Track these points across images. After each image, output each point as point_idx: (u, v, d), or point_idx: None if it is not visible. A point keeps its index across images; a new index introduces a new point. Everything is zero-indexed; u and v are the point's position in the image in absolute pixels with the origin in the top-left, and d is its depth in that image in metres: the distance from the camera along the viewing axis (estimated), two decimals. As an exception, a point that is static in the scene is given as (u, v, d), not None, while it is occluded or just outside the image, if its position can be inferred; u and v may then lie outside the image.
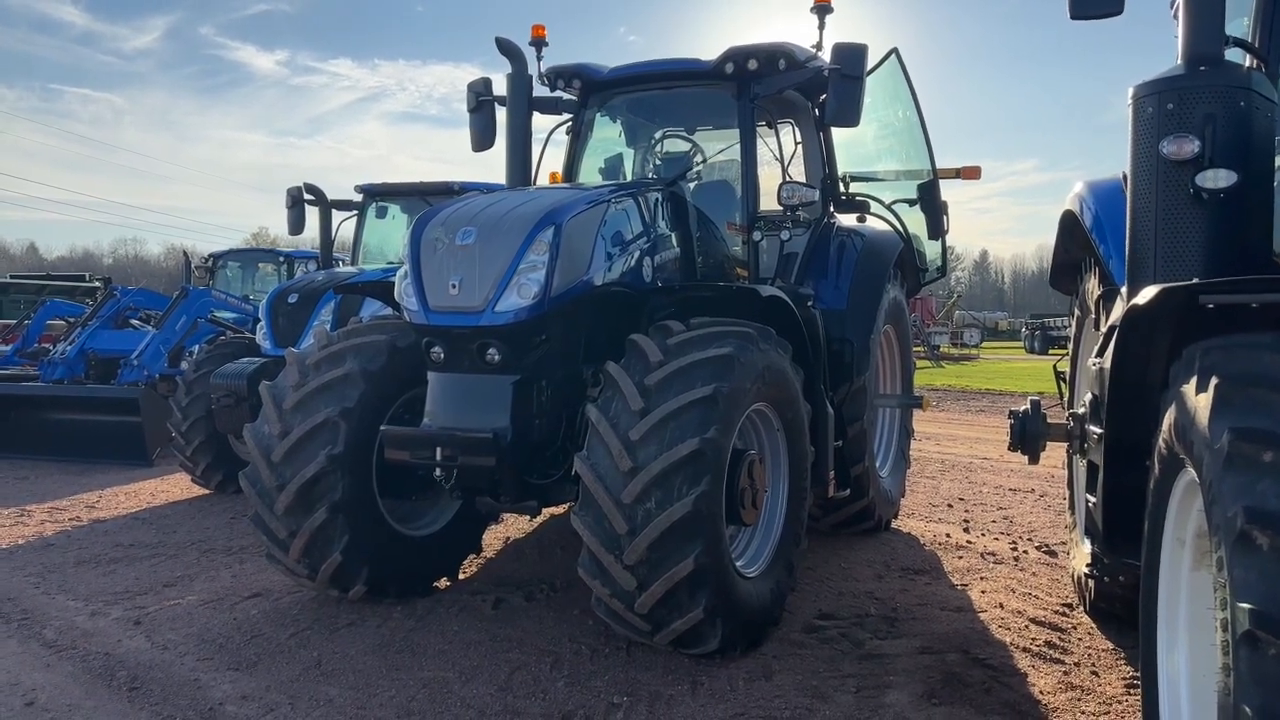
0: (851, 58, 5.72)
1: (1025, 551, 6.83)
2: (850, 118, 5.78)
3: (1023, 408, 5.31)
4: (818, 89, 6.54)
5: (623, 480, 4.13)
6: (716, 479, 4.22)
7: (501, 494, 4.78)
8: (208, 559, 6.39)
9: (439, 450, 4.60)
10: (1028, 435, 5.11)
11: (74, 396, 10.56)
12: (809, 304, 5.75)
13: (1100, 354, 4.13)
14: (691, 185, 6.78)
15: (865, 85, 5.80)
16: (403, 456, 4.75)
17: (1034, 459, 5.26)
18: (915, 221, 7.20)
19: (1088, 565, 4.75)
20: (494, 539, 6.80)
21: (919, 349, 35.07)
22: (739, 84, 6.22)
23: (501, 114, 6.67)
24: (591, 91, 6.72)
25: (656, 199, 5.81)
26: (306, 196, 10.19)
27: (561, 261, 4.65)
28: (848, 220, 7.26)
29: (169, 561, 6.35)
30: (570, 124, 6.85)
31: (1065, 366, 17.79)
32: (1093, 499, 3.94)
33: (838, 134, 7.15)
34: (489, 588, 5.65)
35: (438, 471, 4.70)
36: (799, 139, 7.17)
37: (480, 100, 6.80)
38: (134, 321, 12.39)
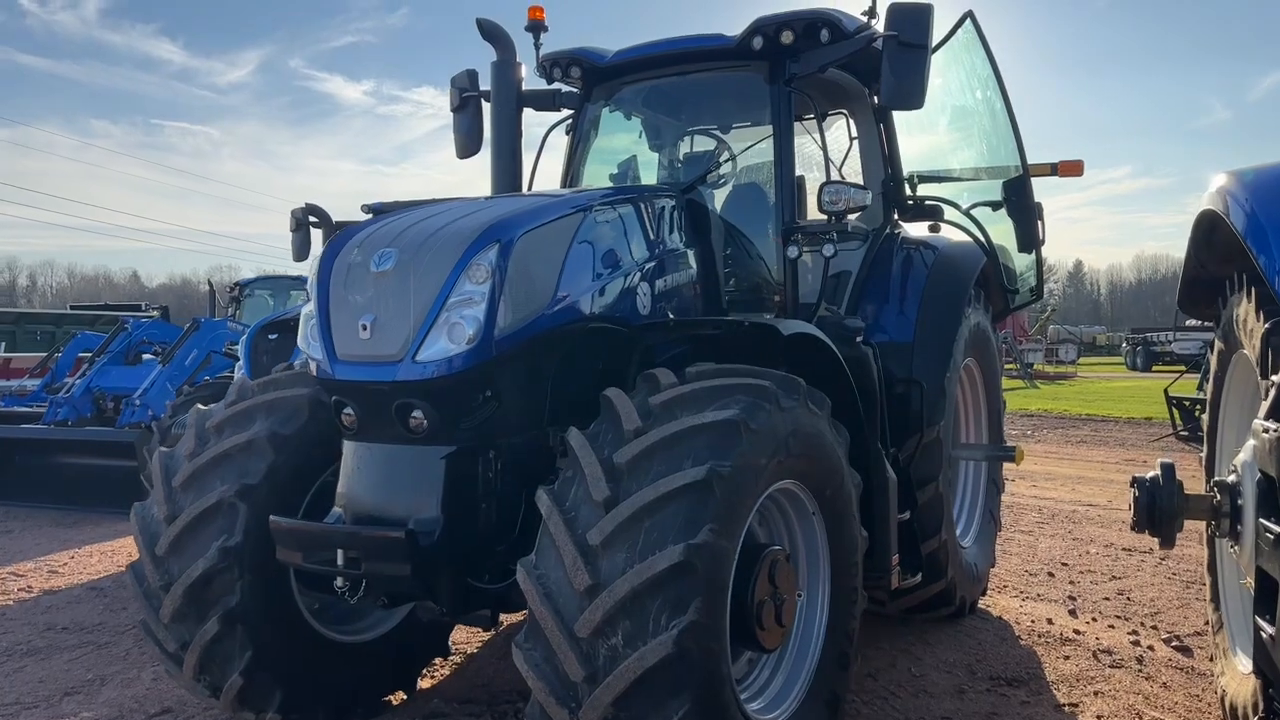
0: (913, 21, 4.42)
1: (1151, 647, 5.35)
2: (912, 97, 4.48)
3: (1150, 474, 3.96)
4: (873, 68, 5.20)
5: (578, 603, 2.89)
6: (713, 601, 2.95)
7: (439, 604, 3.57)
8: (139, 650, 5.33)
9: (341, 553, 3.41)
10: (1159, 513, 3.81)
11: (68, 440, 9.75)
12: (858, 339, 4.43)
13: (1275, 415, 2.86)
14: (719, 192, 5.53)
15: (930, 56, 4.48)
16: (294, 559, 3.58)
17: (1168, 542, 3.90)
18: (1001, 231, 5.80)
19: (1259, 714, 3.39)
20: (469, 634, 5.53)
21: (1011, 366, 32.94)
22: (771, 63, 4.97)
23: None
24: (595, 82, 5.53)
25: (666, 208, 4.57)
26: (311, 219, 9.21)
27: (511, 291, 3.44)
28: (916, 230, 5.92)
29: (92, 655, 5.31)
30: (571, 122, 5.67)
31: (1180, 391, 15.80)
32: (1270, 629, 2.78)
33: (902, 127, 5.82)
34: (454, 707, 4.44)
35: (340, 581, 3.52)
36: (853, 133, 5.87)
37: (465, 97, 5.67)
38: (147, 356, 11.62)
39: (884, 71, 4.49)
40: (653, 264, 4.29)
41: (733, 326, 3.88)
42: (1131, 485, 4.20)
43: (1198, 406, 16.09)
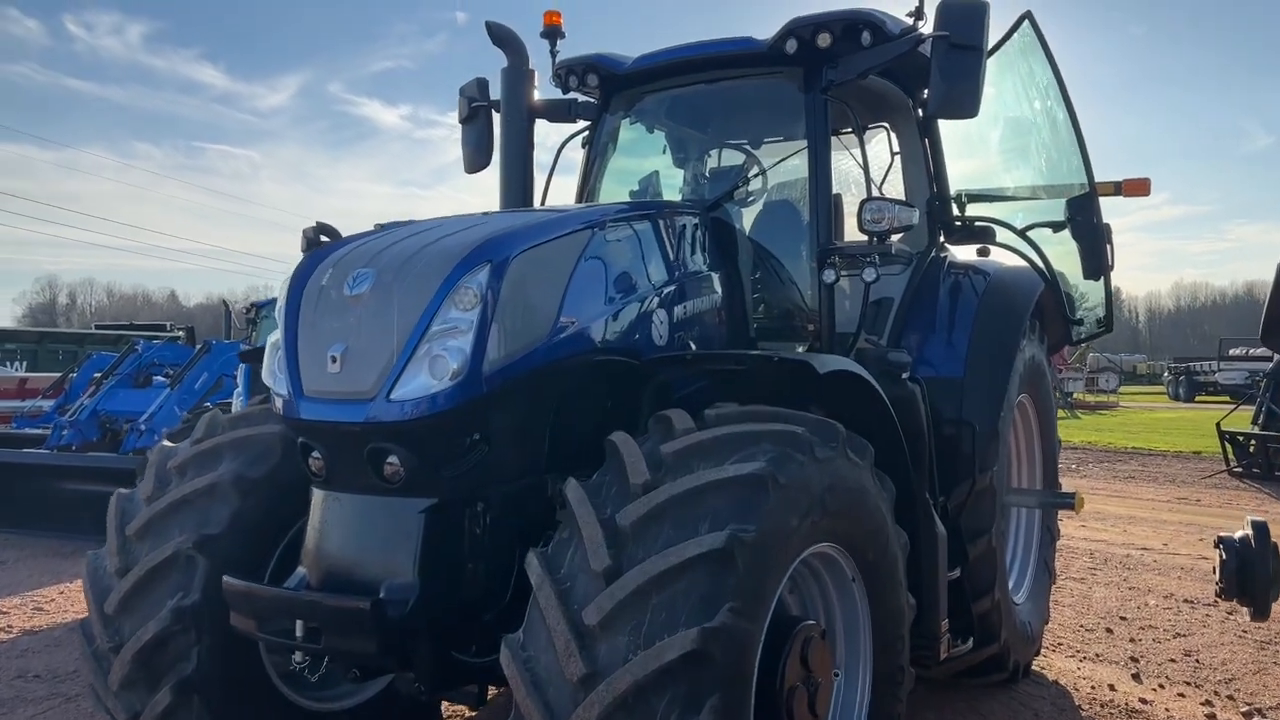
0: (966, 19, 3.94)
1: (1231, 722, 4.76)
2: (966, 104, 3.99)
3: (1239, 534, 3.42)
4: (918, 77, 4.72)
5: (571, 695, 2.41)
6: (733, 696, 2.45)
7: (417, 680, 3.08)
8: (111, 705, 4.88)
9: (300, 624, 2.94)
10: (1252, 580, 3.28)
11: (68, 466, 9.38)
12: (904, 375, 3.92)
13: None
14: (748, 210, 5.05)
15: (985, 60, 3.99)
16: (248, 627, 3.11)
17: (1262, 613, 3.36)
18: (1060, 255, 5.26)
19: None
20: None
21: (1049, 397, 32.00)
22: (806, 69, 4.49)
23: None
24: (613, 90, 5.09)
25: (688, 227, 4.11)
26: (322, 238, 8.83)
27: (504, 318, 2.98)
28: (965, 254, 5.40)
29: (58, 711, 4.88)
30: (587, 134, 5.22)
31: (1233, 425, 14.98)
32: None
33: (950, 141, 5.32)
34: (442, 782, 3.95)
35: (298, 656, 3.05)
36: (895, 148, 5.36)
37: (474, 107, 5.23)
38: (159, 378, 11.28)
39: (933, 76, 4.01)
40: (672, 289, 3.82)
41: (761, 361, 3.38)
42: (1217, 546, 3.65)
43: (1252, 441, 15.32)
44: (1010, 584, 5.27)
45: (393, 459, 2.95)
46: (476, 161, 5.27)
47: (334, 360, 2.97)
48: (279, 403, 3.15)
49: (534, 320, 3.11)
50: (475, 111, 5.23)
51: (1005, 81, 5.15)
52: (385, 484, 2.98)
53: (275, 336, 3.21)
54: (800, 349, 4.47)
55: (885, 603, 3.27)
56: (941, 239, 5.20)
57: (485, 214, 3.55)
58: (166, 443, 3.89)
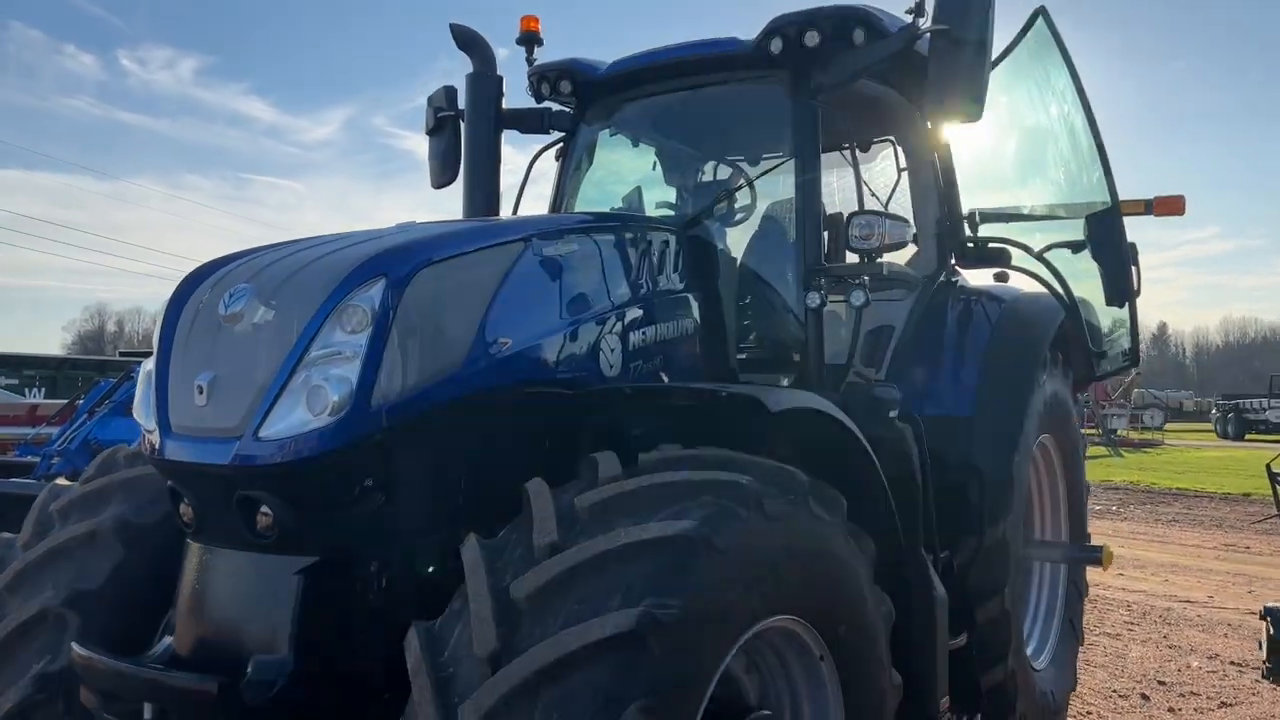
0: (965, 10, 3.46)
1: (1286, 817, 4.13)
2: (968, 106, 3.50)
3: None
4: (921, 80, 4.24)
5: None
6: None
7: None
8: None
9: (148, 706, 2.48)
10: None
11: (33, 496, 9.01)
12: (892, 413, 3.42)
13: None
14: (735, 230, 4.58)
15: (990, 54, 3.51)
16: (92, 704, 2.64)
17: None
18: (1084, 280, 4.73)
19: None
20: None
21: (1092, 432, 31.00)
22: (793, 71, 4.03)
23: (471, 135, 4.71)
24: (589, 98, 4.66)
25: (659, 244, 3.66)
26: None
27: (403, 344, 2.53)
28: (980, 279, 4.89)
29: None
30: (561, 146, 4.80)
31: (1281, 466, 13.53)
32: None
33: (962, 156, 4.82)
34: None
35: (144, 741, 2.59)
36: (902, 164, 4.89)
37: (441, 117, 4.84)
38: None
39: (931, 75, 3.53)
40: (633, 311, 3.36)
41: (704, 395, 2.88)
42: (1263, 617, 3.07)
43: (1305, 483, 14.48)
44: (1030, 649, 4.71)
45: (265, 510, 2.49)
46: (442, 176, 4.87)
47: (200, 391, 2.53)
48: (146, 440, 2.71)
49: (445, 345, 2.66)
50: (442, 122, 4.83)
51: (1019, 88, 4.65)
52: (257, 538, 2.52)
53: (149, 365, 2.79)
54: (785, 382, 3.99)
55: (862, 684, 2.75)
56: (952, 262, 4.70)
57: (403, 225, 3.11)
58: (60, 481, 3.48)
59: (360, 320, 2.47)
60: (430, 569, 2.64)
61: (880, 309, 4.27)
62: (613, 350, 3.19)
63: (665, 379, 3.49)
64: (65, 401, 13.52)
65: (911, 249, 4.84)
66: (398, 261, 2.57)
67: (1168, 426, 45.13)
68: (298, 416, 2.43)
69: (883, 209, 4.64)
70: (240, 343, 2.55)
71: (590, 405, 2.94)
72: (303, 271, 2.61)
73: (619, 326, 3.27)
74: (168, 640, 2.69)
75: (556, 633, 2.00)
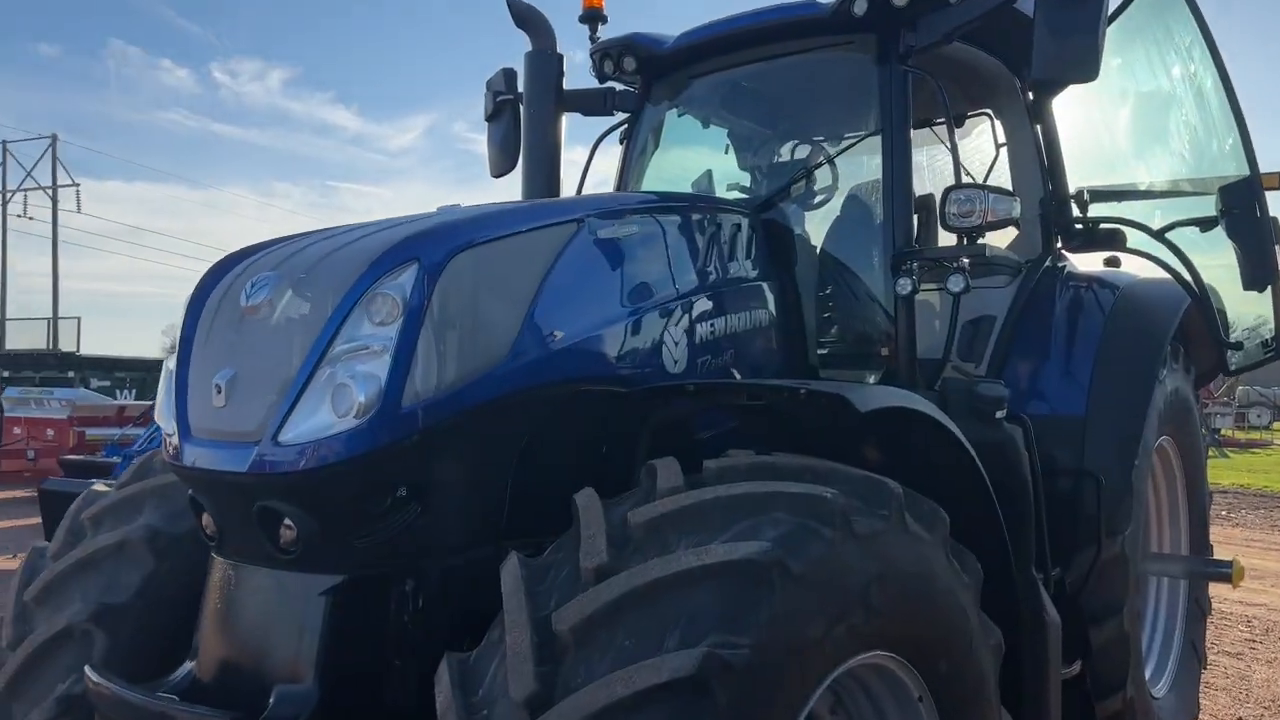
0: None
1: None
2: (1080, 64, 3.08)
3: None
4: (1024, 46, 3.81)
5: None
6: None
7: None
8: None
9: None
10: None
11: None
12: (998, 413, 3.01)
13: None
14: (818, 213, 4.22)
15: (1105, 6, 3.08)
16: None
17: None
18: (1212, 263, 4.22)
19: None
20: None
21: (1194, 434, 29.44)
22: (880, 34, 3.65)
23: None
24: (654, 75, 4.34)
25: (730, 227, 3.33)
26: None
27: (440, 336, 2.24)
28: (1089, 263, 4.42)
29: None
30: (625, 129, 4.49)
31: None
32: None
33: (1067, 127, 4.36)
34: None
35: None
36: (1000, 139, 4.45)
37: (500, 101, 4.58)
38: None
39: (1038, 32, 3.12)
40: (704, 301, 3.04)
41: (781, 394, 2.52)
42: None
43: None
44: (1148, 673, 4.22)
45: (288, 523, 2.23)
46: (502, 164, 4.61)
47: (218, 390, 2.28)
48: (166, 444, 2.48)
49: (487, 338, 2.36)
50: (501, 106, 4.57)
51: (1135, 48, 4.16)
52: (281, 554, 2.26)
53: (170, 362, 2.56)
54: (872, 379, 3.62)
55: (966, 729, 2.37)
56: (1058, 245, 4.25)
57: (445, 208, 2.83)
58: (98, 486, 3.29)
59: (390, 311, 2.19)
60: (471, 590, 2.35)
61: (978, 298, 3.86)
62: (677, 344, 2.86)
63: (735, 375, 3.16)
64: (151, 402, 13.70)
65: (1011, 233, 4.42)
66: (432, 245, 2.29)
67: (1275, 425, 42.88)
68: (321, 418, 2.16)
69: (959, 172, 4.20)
70: (261, 337, 2.30)
71: (650, 404, 2.62)
72: (330, 258, 2.34)
73: (685, 318, 2.94)
74: (189, 665, 2.45)
75: (604, 675, 1.68)
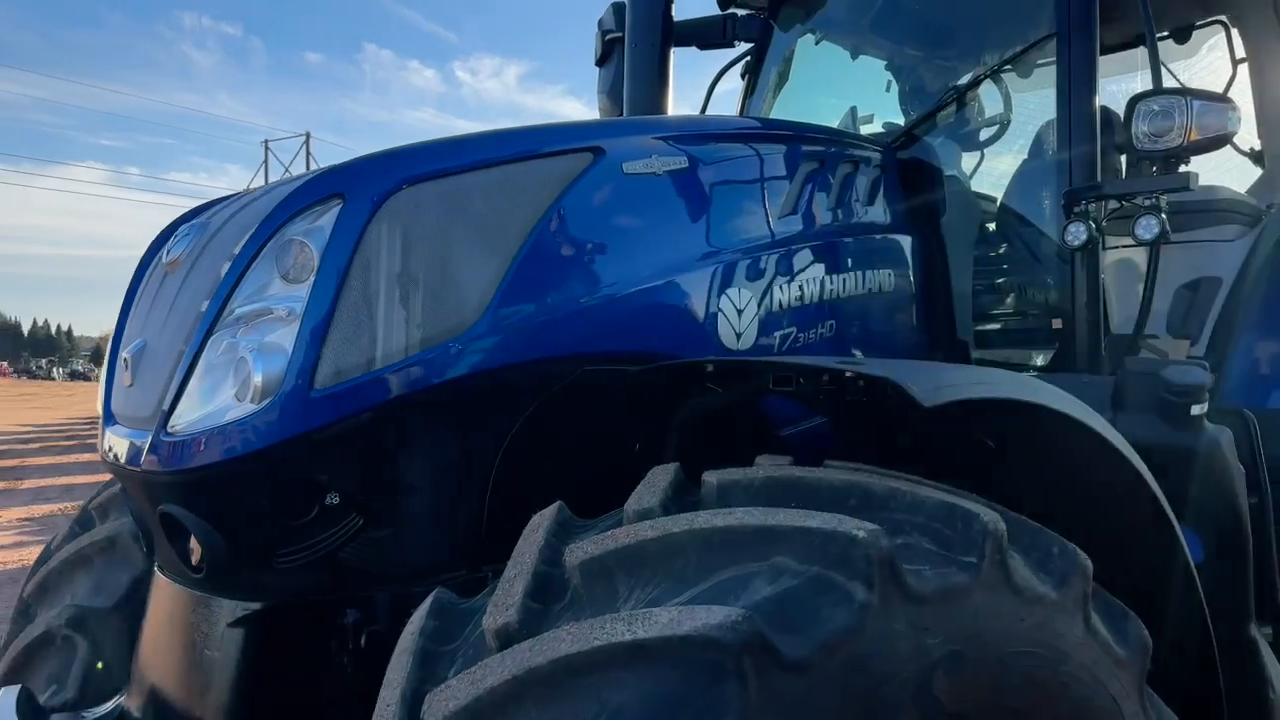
0: None
1: None
2: None
3: None
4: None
5: None
6: None
7: None
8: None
9: None
10: None
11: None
12: (1195, 408, 2.13)
13: None
14: (976, 153, 3.39)
15: None
16: None
17: None
18: None
19: None
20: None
21: None
22: None
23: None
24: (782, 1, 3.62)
25: (856, 165, 2.63)
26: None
27: (367, 296, 1.69)
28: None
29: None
30: (748, 62, 3.81)
31: None
32: None
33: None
34: None
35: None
36: (1239, 54, 3.44)
37: (610, 40, 3.99)
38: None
39: None
40: (792, 256, 2.34)
41: (814, 375, 1.75)
42: None
43: None
44: None
45: (191, 534, 1.76)
46: (614, 113, 4.02)
47: (125, 365, 1.85)
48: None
49: (446, 300, 1.78)
50: (611, 46, 3.99)
51: None
52: (193, 571, 1.80)
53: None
54: (1040, 359, 2.79)
55: None
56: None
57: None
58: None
59: (303, 262, 1.66)
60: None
61: (1200, 254, 2.95)
62: (741, 311, 2.17)
63: (856, 353, 2.46)
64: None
65: (1255, 172, 3.43)
66: (364, 178, 1.74)
67: None
68: (218, 402, 1.68)
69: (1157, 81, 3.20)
70: (169, 298, 1.84)
71: (670, 388, 1.95)
72: (257, 200, 1.85)
73: (760, 277, 2.25)
74: (119, 698, 2.06)
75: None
